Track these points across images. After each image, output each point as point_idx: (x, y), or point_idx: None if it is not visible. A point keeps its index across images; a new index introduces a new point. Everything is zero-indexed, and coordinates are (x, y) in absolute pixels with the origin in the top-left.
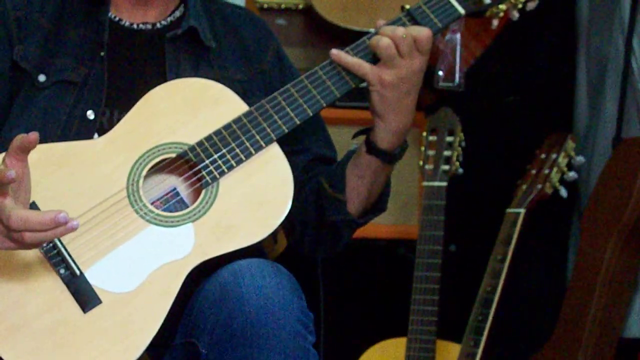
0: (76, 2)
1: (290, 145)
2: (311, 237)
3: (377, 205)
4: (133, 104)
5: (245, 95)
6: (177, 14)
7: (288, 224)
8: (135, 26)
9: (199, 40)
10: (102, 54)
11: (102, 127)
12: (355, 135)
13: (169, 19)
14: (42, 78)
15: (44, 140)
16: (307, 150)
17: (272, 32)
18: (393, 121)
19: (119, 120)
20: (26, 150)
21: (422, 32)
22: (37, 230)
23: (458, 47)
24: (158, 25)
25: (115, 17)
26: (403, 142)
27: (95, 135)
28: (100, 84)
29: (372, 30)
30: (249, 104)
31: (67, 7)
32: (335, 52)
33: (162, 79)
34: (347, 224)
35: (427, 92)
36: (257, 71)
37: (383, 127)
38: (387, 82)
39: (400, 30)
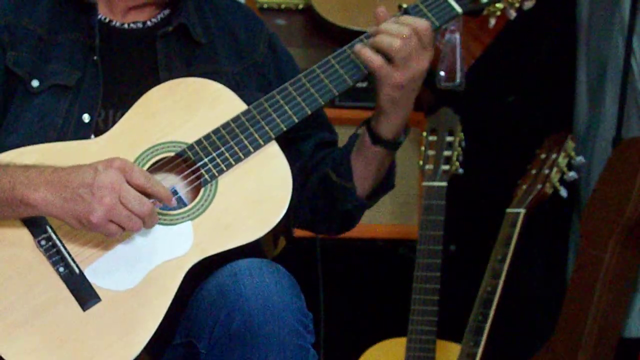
0: (65, 6)
1: (295, 131)
2: (323, 223)
3: (384, 184)
4: (128, 103)
5: (239, 88)
6: (167, 11)
7: (292, 212)
8: (126, 26)
9: (190, 36)
10: (95, 57)
11: (99, 128)
12: (359, 127)
13: (159, 17)
14: (35, 83)
15: (40, 144)
16: (311, 137)
17: (264, 23)
18: (398, 116)
19: (114, 120)
20: None
21: (422, 25)
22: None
23: (458, 47)
24: (149, 23)
25: (105, 18)
26: (405, 127)
27: (92, 137)
28: (95, 87)
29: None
30: (243, 97)
31: (57, 12)
32: (358, 46)
33: (155, 76)
34: (359, 209)
35: (427, 92)
36: (250, 63)
37: (387, 122)
38: (398, 84)
39: (405, 30)
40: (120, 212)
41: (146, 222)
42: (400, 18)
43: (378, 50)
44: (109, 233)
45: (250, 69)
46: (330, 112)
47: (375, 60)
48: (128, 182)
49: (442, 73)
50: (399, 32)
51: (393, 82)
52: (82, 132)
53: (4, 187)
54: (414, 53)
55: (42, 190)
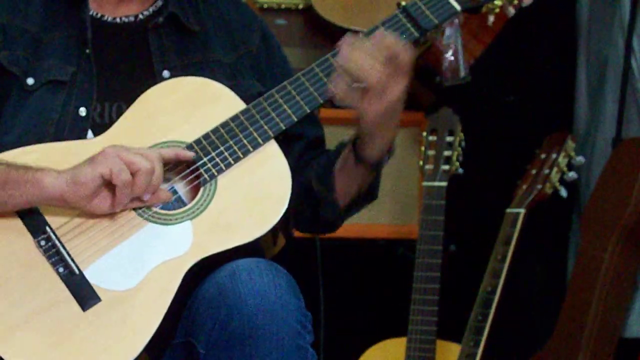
0: (57, 4)
1: (288, 129)
2: (305, 225)
3: (367, 196)
4: (123, 96)
5: (233, 77)
6: (159, 3)
7: (292, 211)
8: (118, 20)
9: (182, 25)
10: (87, 51)
11: (95, 122)
12: (344, 144)
13: (151, 9)
14: (30, 81)
15: (38, 141)
16: (301, 137)
17: (256, 14)
18: (379, 140)
19: (111, 113)
20: None
21: (401, 51)
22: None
23: (459, 40)
24: (140, 16)
25: (97, 13)
26: (390, 148)
27: (89, 131)
28: (89, 80)
29: None
30: (239, 86)
31: (49, 10)
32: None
33: (149, 68)
34: (340, 218)
35: (427, 92)
36: (244, 52)
37: (372, 144)
38: (373, 115)
39: (377, 64)
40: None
41: (156, 170)
42: (377, 37)
43: (352, 77)
44: (117, 167)
45: (244, 58)
46: (330, 112)
47: (352, 98)
48: None
49: (446, 73)
50: (372, 64)
51: (372, 112)
52: (79, 126)
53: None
54: (390, 81)
55: (52, 172)
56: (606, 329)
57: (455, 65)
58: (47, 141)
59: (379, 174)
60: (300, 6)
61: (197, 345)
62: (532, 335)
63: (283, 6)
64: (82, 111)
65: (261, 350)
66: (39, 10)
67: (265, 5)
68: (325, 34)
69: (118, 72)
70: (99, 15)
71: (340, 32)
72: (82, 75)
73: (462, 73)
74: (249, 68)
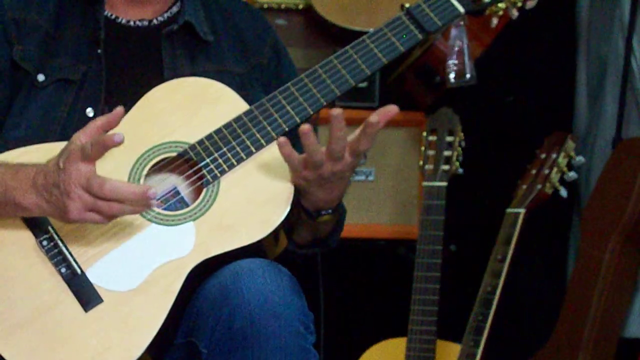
0: (73, 1)
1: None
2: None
3: (321, 243)
4: (131, 100)
5: (243, 88)
6: (175, 9)
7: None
8: (132, 23)
9: (196, 34)
10: (99, 51)
11: None
12: None
13: (165, 15)
14: (41, 77)
15: (44, 138)
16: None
17: (270, 25)
18: (314, 198)
19: None
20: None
21: (336, 145)
22: (127, 201)
23: (465, 41)
24: (155, 21)
25: (111, 15)
26: (334, 207)
27: None
28: (98, 81)
29: (371, 29)
30: (248, 97)
31: (64, 7)
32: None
33: (160, 74)
34: (296, 250)
35: (427, 92)
36: (255, 64)
37: (305, 197)
38: (303, 177)
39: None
40: (91, 200)
41: (134, 205)
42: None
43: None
44: (94, 221)
45: (255, 70)
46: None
47: (290, 154)
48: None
49: (451, 74)
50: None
51: (298, 175)
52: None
53: None
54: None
55: (31, 194)
56: (606, 329)
57: (460, 67)
58: (52, 139)
59: (337, 227)
60: (300, 6)
61: (199, 345)
62: (532, 335)
63: (283, 6)
64: (89, 111)
65: (264, 351)
66: (54, 7)
67: (265, 5)
68: (325, 34)
69: (127, 75)
70: (113, 16)
71: (340, 32)
72: (91, 76)
73: (468, 75)
74: (259, 79)
